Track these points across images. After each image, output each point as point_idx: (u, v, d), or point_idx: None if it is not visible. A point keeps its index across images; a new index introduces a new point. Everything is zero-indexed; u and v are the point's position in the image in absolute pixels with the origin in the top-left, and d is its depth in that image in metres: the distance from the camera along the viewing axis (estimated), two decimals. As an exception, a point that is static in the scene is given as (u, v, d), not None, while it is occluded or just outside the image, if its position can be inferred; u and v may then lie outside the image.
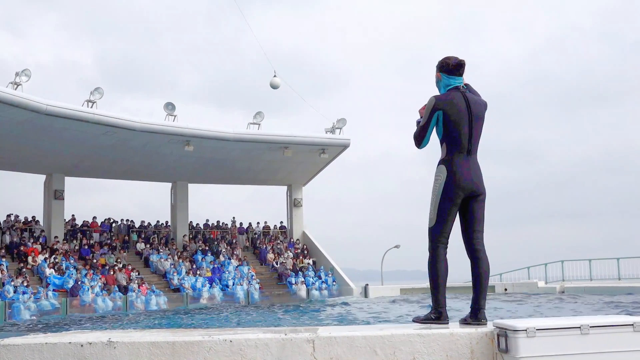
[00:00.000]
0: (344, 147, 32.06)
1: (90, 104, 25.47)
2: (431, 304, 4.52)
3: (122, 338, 3.83)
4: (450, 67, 4.64)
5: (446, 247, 4.54)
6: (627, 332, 3.58)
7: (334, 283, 32.18)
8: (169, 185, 33.71)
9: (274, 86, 22.65)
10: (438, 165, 4.56)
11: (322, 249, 34.67)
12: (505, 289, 29.39)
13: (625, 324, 3.59)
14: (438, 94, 4.67)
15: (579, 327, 3.56)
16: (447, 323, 4.41)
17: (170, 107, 27.85)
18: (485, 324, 4.31)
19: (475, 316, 4.35)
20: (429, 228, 4.55)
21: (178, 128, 27.62)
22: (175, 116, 27.93)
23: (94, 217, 31.89)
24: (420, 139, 4.63)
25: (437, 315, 4.41)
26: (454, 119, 4.47)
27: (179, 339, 3.81)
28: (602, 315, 3.96)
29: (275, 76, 22.72)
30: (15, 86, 23.22)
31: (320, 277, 32.21)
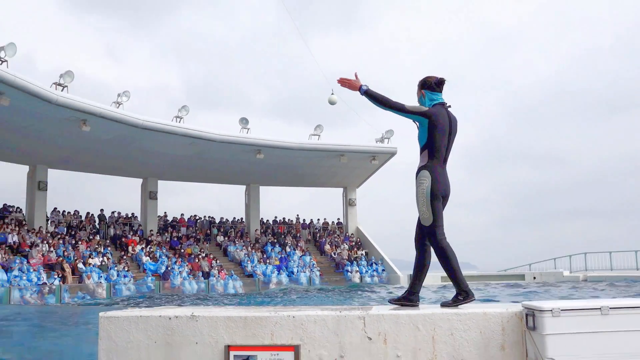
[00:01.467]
0: (392, 154, 31.76)
1: (178, 119, 25.99)
2: (456, 287, 4.28)
3: (202, 313, 3.88)
4: (433, 85, 4.49)
5: (446, 237, 4.37)
6: (644, 313, 3.43)
7: (383, 271, 31.94)
8: (243, 187, 34.07)
9: (331, 103, 22.62)
10: (420, 170, 4.39)
11: (373, 242, 34.42)
12: (534, 277, 28.61)
13: (641, 307, 3.44)
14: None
15: (600, 309, 3.42)
16: (474, 299, 4.23)
17: (244, 121, 28.14)
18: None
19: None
20: (427, 226, 4.33)
21: (251, 139, 27.88)
22: (248, 129, 28.21)
23: (182, 214, 32.51)
24: (392, 110, 4.40)
25: (465, 294, 4.20)
26: (439, 130, 4.34)
27: (250, 314, 3.83)
28: (622, 298, 3.80)
29: (332, 94, 22.73)
30: (117, 105, 23.87)
31: (371, 266, 32.04)
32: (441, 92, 4.50)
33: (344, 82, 4.60)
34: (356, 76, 4.62)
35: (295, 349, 3.71)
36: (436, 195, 4.31)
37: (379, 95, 4.43)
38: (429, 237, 4.36)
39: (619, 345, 3.40)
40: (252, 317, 3.79)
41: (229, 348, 3.72)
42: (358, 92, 4.53)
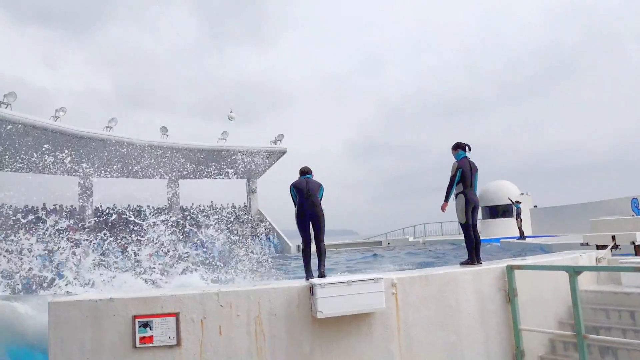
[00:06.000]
0: (283, 152, 33.17)
1: (108, 129, 25.79)
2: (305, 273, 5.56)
3: (118, 295, 4.86)
4: (302, 171, 5.91)
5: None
6: (371, 283, 4.96)
7: (279, 243, 33.27)
8: (165, 181, 34.04)
9: (230, 119, 23.62)
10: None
11: (270, 219, 35.58)
12: (389, 243, 31.00)
13: (370, 279, 4.97)
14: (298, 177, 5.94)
15: (347, 282, 4.93)
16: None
17: (164, 129, 28.34)
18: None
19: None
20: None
21: (169, 143, 28.14)
22: (167, 135, 28.39)
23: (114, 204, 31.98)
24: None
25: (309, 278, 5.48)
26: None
27: (149, 295, 4.89)
28: (360, 274, 5.29)
29: (231, 112, 23.76)
30: (55, 119, 23.41)
31: (269, 240, 33.26)
32: (306, 174, 5.87)
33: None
34: None
35: (177, 315, 4.86)
36: (303, 219, 5.71)
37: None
38: (322, 239, 5.67)
39: (357, 302, 4.93)
40: (150, 297, 4.86)
41: (134, 317, 4.80)
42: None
